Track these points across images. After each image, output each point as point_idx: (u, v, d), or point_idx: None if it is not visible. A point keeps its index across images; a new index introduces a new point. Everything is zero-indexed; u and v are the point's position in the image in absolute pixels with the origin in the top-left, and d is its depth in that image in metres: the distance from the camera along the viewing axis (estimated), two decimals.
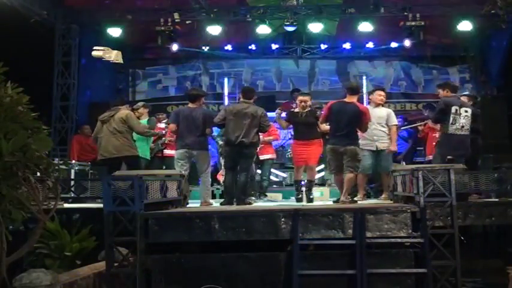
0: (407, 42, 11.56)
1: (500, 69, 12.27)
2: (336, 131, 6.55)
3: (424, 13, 10.94)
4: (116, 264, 5.04)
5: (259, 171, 8.50)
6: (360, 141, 6.67)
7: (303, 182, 7.48)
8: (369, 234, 5.14)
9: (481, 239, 6.88)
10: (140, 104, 8.58)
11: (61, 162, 4.94)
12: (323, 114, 6.82)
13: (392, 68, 13.66)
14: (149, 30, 11.55)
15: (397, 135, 7.60)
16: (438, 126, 7.08)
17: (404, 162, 9.11)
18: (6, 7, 9.12)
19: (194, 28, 11.73)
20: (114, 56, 7.89)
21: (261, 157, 8.20)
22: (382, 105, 7.31)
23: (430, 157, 7.82)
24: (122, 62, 8.47)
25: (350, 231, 5.15)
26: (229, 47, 13.09)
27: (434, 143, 7.56)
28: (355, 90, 6.77)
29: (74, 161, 8.87)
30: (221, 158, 8.28)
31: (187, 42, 12.63)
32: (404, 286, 5.09)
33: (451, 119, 6.57)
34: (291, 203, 7.33)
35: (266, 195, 8.35)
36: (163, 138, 8.55)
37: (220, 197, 8.51)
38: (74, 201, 6.79)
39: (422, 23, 10.88)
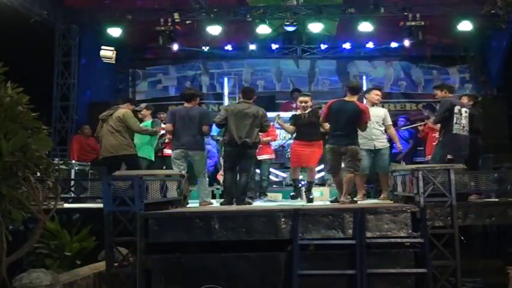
0: (407, 42, 11.56)
1: (500, 69, 12.27)
2: (335, 130, 6.53)
3: (424, 13, 10.93)
4: (116, 264, 5.04)
5: (258, 170, 8.50)
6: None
7: (303, 182, 7.48)
8: (369, 234, 5.14)
9: (481, 239, 6.88)
10: (143, 105, 8.58)
11: (61, 162, 4.93)
12: (323, 114, 6.81)
13: (392, 68, 13.65)
14: (149, 30, 11.54)
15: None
16: (438, 126, 7.08)
17: (404, 162, 9.11)
18: (6, 7, 9.12)
19: (194, 28, 11.72)
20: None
21: (259, 157, 8.20)
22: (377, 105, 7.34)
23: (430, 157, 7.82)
24: (113, 61, 8.48)
25: (350, 231, 5.16)
26: (229, 47, 13.08)
27: (434, 143, 7.57)
28: (356, 90, 6.74)
29: (74, 161, 8.87)
30: (221, 158, 8.28)
31: (187, 42, 12.63)
32: (404, 286, 5.09)
33: (455, 118, 6.59)
34: (291, 203, 7.33)
35: (266, 195, 8.35)
36: (163, 138, 8.55)
37: (220, 197, 8.51)
38: (74, 201, 6.80)
39: (422, 23, 10.86)
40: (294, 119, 7.43)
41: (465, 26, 11.01)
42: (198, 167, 6.89)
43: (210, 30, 11.37)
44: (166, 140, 8.53)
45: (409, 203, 5.61)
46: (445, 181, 5.30)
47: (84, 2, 11.09)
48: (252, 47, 13.00)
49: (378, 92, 7.40)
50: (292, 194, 7.53)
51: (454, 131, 6.59)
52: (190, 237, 5.26)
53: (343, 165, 6.54)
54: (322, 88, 13.54)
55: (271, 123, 7.58)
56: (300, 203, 7.09)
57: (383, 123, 7.17)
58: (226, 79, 13.28)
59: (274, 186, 9.70)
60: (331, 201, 6.89)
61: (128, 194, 5.06)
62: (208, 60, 13.65)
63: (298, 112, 7.49)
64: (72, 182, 6.90)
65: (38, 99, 4.35)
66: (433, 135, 8.14)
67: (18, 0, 9.43)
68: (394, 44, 12.63)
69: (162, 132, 8.22)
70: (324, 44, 13.15)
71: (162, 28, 11.07)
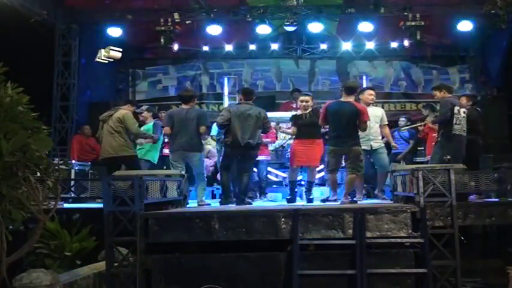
0: (407, 42, 11.56)
1: (500, 69, 12.26)
2: (335, 131, 6.53)
3: (424, 13, 10.93)
4: (116, 264, 5.04)
5: (255, 169, 8.48)
6: None
7: (303, 182, 7.46)
8: (369, 234, 5.15)
9: (481, 239, 6.89)
10: (144, 107, 8.55)
11: (61, 162, 4.92)
12: (321, 116, 6.77)
13: (393, 68, 13.64)
14: (149, 30, 11.54)
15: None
16: (437, 126, 7.08)
17: (404, 162, 9.10)
18: (6, 7, 9.11)
19: (194, 28, 11.72)
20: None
21: (256, 158, 8.18)
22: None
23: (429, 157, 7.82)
24: (106, 61, 8.47)
25: (350, 231, 5.16)
26: (229, 47, 13.08)
27: (434, 143, 7.56)
28: (352, 90, 6.69)
29: (74, 161, 8.87)
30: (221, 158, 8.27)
31: (187, 42, 12.61)
32: (404, 286, 5.10)
33: (455, 119, 6.59)
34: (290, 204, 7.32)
35: (266, 195, 8.35)
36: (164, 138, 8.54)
37: (221, 197, 8.50)
38: (74, 201, 6.80)
39: (422, 23, 10.86)
40: (295, 119, 7.42)
41: (465, 26, 11.02)
42: (196, 168, 6.90)
43: (210, 30, 11.37)
44: (166, 140, 8.53)
45: (409, 203, 5.61)
46: (445, 181, 5.31)
47: (84, 2, 11.08)
48: (252, 47, 12.98)
49: (372, 92, 7.36)
50: (288, 197, 7.33)
51: (455, 132, 6.58)
52: (190, 237, 5.26)
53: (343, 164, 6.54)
54: (322, 88, 13.52)
55: (272, 124, 7.57)
56: (300, 203, 7.09)
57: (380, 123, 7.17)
58: (226, 79, 13.26)
59: (274, 186, 9.69)
60: (322, 201, 6.89)
61: (128, 194, 5.07)
62: (208, 60, 13.64)
63: (299, 112, 7.47)
64: (72, 182, 6.89)
65: (38, 99, 4.34)
66: (433, 135, 8.12)
67: (18, 0, 9.43)
68: (394, 44, 12.61)
69: (158, 138, 8.09)
70: (324, 44, 13.14)
71: (162, 28, 11.07)
